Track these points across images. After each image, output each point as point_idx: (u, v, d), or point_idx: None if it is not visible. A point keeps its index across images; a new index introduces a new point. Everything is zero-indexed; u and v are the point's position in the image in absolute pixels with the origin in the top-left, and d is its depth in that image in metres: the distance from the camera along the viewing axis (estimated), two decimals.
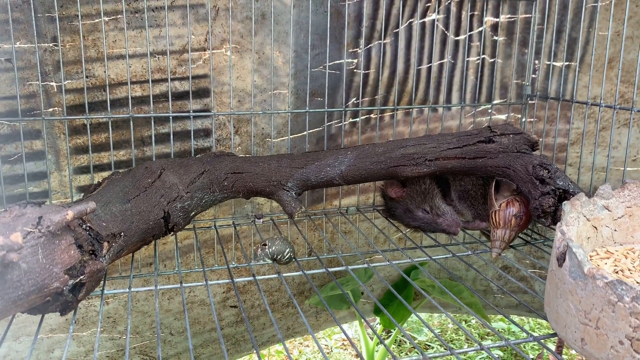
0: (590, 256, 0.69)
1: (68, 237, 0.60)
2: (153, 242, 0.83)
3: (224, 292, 1.19)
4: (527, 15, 1.15)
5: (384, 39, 1.09)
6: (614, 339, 0.54)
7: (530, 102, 1.18)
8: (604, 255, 0.68)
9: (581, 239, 0.69)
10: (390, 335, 1.85)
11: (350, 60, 1.08)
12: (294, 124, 1.09)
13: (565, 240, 0.60)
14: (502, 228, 0.87)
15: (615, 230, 0.72)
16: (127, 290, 0.75)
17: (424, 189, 0.97)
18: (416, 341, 2.02)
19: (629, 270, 0.65)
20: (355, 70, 1.09)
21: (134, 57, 0.96)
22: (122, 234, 0.70)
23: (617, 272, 0.65)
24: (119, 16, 0.93)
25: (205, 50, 0.99)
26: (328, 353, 1.97)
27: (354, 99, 1.11)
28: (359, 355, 0.59)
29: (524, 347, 1.96)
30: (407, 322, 2.09)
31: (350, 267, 0.83)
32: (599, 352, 0.56)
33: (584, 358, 0.59)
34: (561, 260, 0.61)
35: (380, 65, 1.10)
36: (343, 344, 2.02)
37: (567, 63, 1.18)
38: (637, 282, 0.62)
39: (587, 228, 0.70)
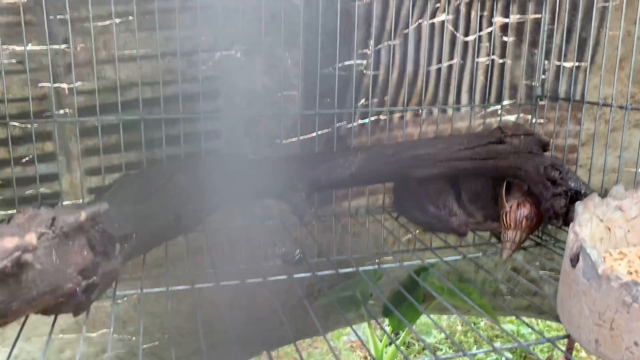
0: (604, 257, 0.68)
1: (81, 238, 0.60)
2: (164, 243, 0.83)
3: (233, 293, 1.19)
4: (537, 16, 1.14)
5: (393, 39, 1.09)
6: (629, 340, 0.54)
7: (540, 103, 1.18)
8: (618, 256, 0.68)
9: (594, 240, 0.68)
10: (399, 338, 1.85)
11: (359, 61, 1.08)
12: (303, 126, 1.09)
13: (579, 241, 0.60)
14: (513, 229, 0.87)
15: (629, 231, 0.72)
16: (138, 291, 0.75)
17: (439, 187, 0.97)
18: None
19: None
20: (364, 72, 1.09)
21: (144, 59, 0.96)
22: (134, 235, 0.70)
23: (631, 274, 0.64)
24: (130, 18, 0.93)
25: (215, 51, 0.99)
26: (337, 355, 1.97)
27: (363, 100, 1.11)
28: (368, 357, 0.59)
29: (534, 348, 1.95)
30: (416, 325, 2.08)
31: (360, 269, 0.83)
32: (613, 354, 0.56)
33: (594, 358, 0.59)
34: (574, 261, 0.60)
35: (390, 66, 1.10)
36: (351, 346, 2.02)
37: (577, 63, 1.17)
38: None
39: (600, 229, 0.69)
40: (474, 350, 0.63)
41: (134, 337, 1.13)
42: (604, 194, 0.75)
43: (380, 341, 1.64)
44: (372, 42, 1.07)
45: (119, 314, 1.10)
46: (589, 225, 0.67)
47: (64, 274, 0.56)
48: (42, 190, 0.96)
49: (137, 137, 0.99)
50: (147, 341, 1.17)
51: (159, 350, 1.19)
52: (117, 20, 0.92)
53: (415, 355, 1.98)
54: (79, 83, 0.93)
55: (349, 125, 1.11)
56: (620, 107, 0.94)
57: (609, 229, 0.70)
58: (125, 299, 1.09)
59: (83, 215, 0.59)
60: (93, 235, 0.63)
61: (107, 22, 0.92)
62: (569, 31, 1.15)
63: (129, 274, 1.03)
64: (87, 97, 0.95)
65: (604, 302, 0.56)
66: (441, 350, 1.99)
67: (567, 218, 0.81)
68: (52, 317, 0.65)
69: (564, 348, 1.69)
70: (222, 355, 1.26)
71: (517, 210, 0.87)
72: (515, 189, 0.91)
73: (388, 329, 1.77)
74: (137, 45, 0.94)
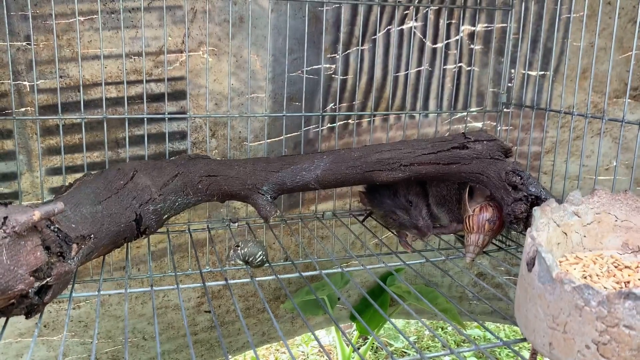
0: (560, 261, 0.69)
1: (35, 238, 0.59)
2: (125, 245, 0.82)
3: (198, 297, 1.18)
4: (504, 25, 1.16)
5: (362, 45, 1.10)
6: (581, 343, 0.55)
7: (505, 110, 1.20)
8: (573, 260, 0.69)
9: (551, 244, 0.69)
10: (368, 341, 1.85)
11: (328, 65, 1.09)
12: (271, 128, 1.08)
13: (535, 245, 0.61)
14: (476, 233, 0.88)
15: (585, 236, 0.73)
16: (96, 293, 0.74)
17: (417, 190, 0.97)
18: (393, 347, 2.02)
19: (597, 275, 0.65)
20: (333, 76, 1.10)
21: (109, 58, 0.95)
22: (92, 236, 0.69)
23: (585, 278, 0.65)
24: (95, 16, 0.92)
25: (182, 52, 0.98)
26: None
27: (332, 104, 1.11)
28: None
29: (499, 354, 1.97)
30: (384, 329, 2.09)
31: (324, 272, 0.83)
32: (566, 357, 0.57)
33: None
34: (531, 265, 0.61)
35: (358, 72, 1.11)
36: (320, 350, 2.01)
37: (542, 72, 1.20)
38: (605, 287, 0.63)
39: (557, 234, 0.70)
40: (433, 354, 0.63)
41: (96, 341, 1.11)
42: (565, 200, 0.77)
43: (348, 346, 1.64)
44: (340, 47, 1.08)
45: (80, 317, 1.08)
46: (546, 229, 0.69)
47: (15, 274, 0.55)
48: (1, 189, 0.94)
49: (100, 136, 0.97)
50: (109, 345, 1.15)
51: (122, 355, 1.17)
52: (81, 18, 0.91)
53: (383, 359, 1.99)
54: (40, 81, 0.92)
55: (317, 129, 1.11)
56: (581, 115, 0.96)
57: (566, 234, 0.72)
58: (87, 301, 1.07)
59: (37, 214, 0.57)
60: (48, 235, 0.61)
61: (71, 20, 0.91)
62: (534, 41, 1.17)
63: (90, 276, 1.01)
64: (49, 96, 0.93)
65: (557, 306, 0.57)
66: (409, 355, 2.00)
67: (527, 222, 0.82)
68: (4, 319, 0.63)
69: (517, 349, 1.70)
70: (187, 359, 1.25)
71: (479, 214, 0.88)
72: (478, 193, 0.92)
73: (356, 333, 1.77)
74: (101, 44, 0.93)
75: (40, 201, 0.96)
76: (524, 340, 0.65)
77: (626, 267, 0.68)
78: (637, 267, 0.68)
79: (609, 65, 0.89)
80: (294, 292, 1.29)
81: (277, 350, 1.98)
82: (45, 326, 1.06)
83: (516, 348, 0.65)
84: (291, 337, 1.46)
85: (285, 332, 1.38)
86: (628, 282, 0.64)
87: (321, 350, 1.99)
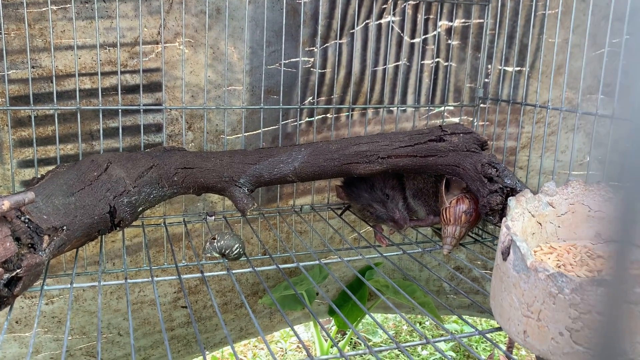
0: (535, 251, 0.70)
1: (4, 228, 0.57)
2: (99, 238, 0.80)
3: (175, 292, 1.17)
4: (481, 20, 1.17)
5: (340, 38, 1.10)
6: (555, 330, 0.56)
7: (482, 105, 1.21)
8: (548, 250, 0.70)
9: (526, 234, 0.70)
10: (346, 336, 1.85)
11: (306, 58, 1.08)
12: (249, 122, 1.08)
13: (510, 234, 0.62)
14: (453, 225, 0.89)
15: (559, 226, 0.74)
16: (68, 286, 0.73)
17: (393, 183, 0.98)
18: (371, 342, 2.02)
19: (571, 264, 0.66)
20: (311, 69, 1.09)
21: (83, 48, 0.93)
22: (65, 227, 0.68)
23: (559, 267, 0.66)
24: (68, 5, 0.90)
25: (157, 43, 0.97)
26: (282, 356, 1.95)
27: (310, 97, 1.11)
28: (310, 358, 0.59)
29: (476, 347, 1.99)
30: (362, 324, 2.09)
31: (302, 265, 0.83)
32: (540, 344, 0.57)
33: (533, 356, 0.60)
34: (506, 254, 0.62)
35: (336, 65, 1.11)
36: (298, 346, 2.01)
37: (518, 68, 1.21)
38: (578, 276, 0.64)
39: (532, 224, 0.71)
40: (409, 343, 0.63)
41: (69, 337, 1.09)
42: (540, 191, 0.78)
43: (327, 341, 1.64)
44: (318, 40, 1.08)
45: (53, 313, 1.06)
46: (521, 219, 0.69)
47: None
48: None
49: (74, 128, 0.96)
50: (84, 341, 1.13)
51: (96, 351, 1.15)
52: (54, 7, 0.89)
53: (361, 355, 1.99)
54: (12, 71, 0.90)
55: (295, 123, 1.11)
56: (556, 109, 0.97)
57: (540, 224, 0.73)
58: (60, 296, 1.05)
59: (6, 204, 0.56)
60: (18, 226, 0.60)
61: (43, 9, 0.89)
62: (511, 37, 1.18)
63: (63, 270, 0.99)
64: (20, 86, 0.91)
65: (532, 294, 0.57)
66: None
67: (503, 214, 0.83)
68: None
69: (494, 340, 1.73)
70: (162, 355, 1.23)
71: (456, 206, 0.88)
72: (455, 186, 0.93)
73: (335, 328, 1.77)
74: (74, 34, 0.91)
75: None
76: (500, 329, 0.66)
77: (599, 256, 0.69)
78: (610, 256, 0.69)
79: (583, 61, 0.90)
80: (272, 287, 1.29)
81: (255, 346, 1.97)
82: (17, 322, 1.04)
83: (488, 335, 0.66)
84: (269, 333, 1.45)
85: (263, 328, 1.38)
86: (601, 271, 0.65)
87: (299, 345, 1.98)
